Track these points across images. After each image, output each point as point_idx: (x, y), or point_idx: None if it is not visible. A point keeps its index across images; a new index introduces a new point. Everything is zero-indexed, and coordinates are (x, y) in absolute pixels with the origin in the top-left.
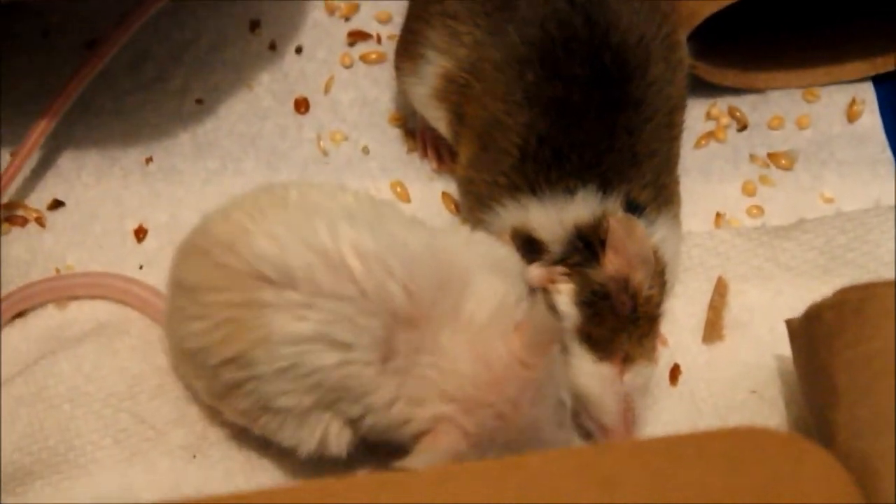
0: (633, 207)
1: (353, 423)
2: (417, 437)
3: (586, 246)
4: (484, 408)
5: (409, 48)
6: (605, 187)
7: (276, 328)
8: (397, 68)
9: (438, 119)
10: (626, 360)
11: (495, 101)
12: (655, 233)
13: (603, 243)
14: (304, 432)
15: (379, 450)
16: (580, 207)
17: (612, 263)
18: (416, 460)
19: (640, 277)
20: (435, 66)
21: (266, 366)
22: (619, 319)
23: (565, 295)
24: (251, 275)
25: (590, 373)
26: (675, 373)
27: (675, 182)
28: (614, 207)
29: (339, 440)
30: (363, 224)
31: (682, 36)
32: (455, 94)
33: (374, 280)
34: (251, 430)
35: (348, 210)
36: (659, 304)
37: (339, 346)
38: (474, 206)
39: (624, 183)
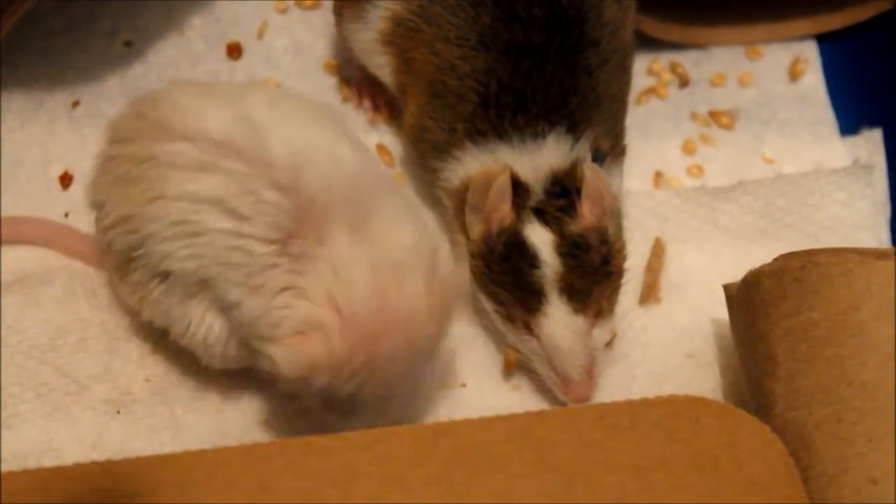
0: (598, 156)
1: (228, 311)
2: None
3: (563, 194)
4: (362, 343)
5: None
6: (574, 130)
7: (173, 184)
8: (338, 14)
9: (382, 66)
10: (598, 315)
11: (448, 45)
12: (612, 184)
13: (579, 192)
14: (188, 311)
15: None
16: (552, 152)
17: (591, 214)
18: (276, 352)
19: (612, 229)
20: (381, 10)
21: (159, 223)
22: (597, 272)
23: (547, 245)
24: (159, 125)
25: (566, 324)
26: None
27: (625, 132)
28: (584, 153)
29: (211, 331)
30: (299, 119)
31: None
32: (403, 38)
33: (290, 161)
34: (144, 319)
35: (290, 106)
36: (626, 258)
37: (236, 215)
38: (429, 154)
39: (590, 127)
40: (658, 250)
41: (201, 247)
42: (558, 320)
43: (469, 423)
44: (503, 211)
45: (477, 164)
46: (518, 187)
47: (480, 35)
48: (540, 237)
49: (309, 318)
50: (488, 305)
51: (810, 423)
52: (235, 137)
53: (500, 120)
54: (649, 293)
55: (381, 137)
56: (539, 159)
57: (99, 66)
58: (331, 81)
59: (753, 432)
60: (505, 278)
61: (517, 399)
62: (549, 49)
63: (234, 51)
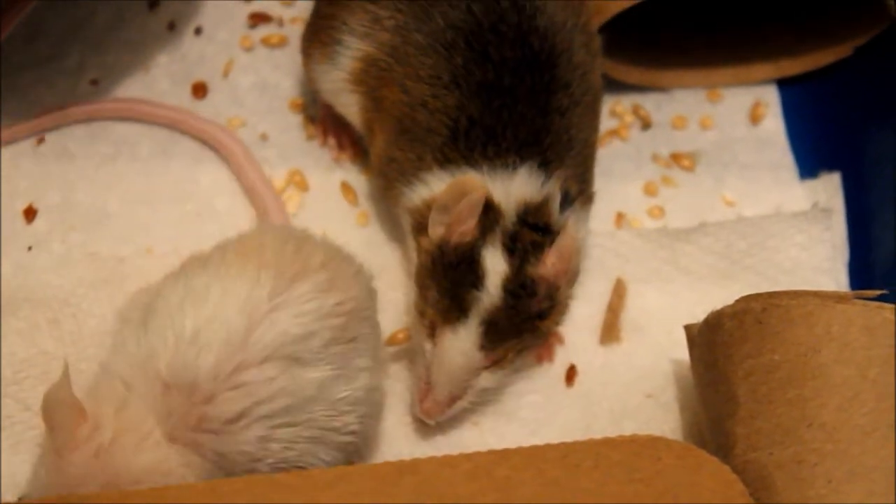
0: (567, 198)
1: None
2: None
3: (538, 229)
4: None
5: (321, 34)
6: (546, 167)
7: None
8: (306, 55)
9: (350, 105)
10: (496, 362)
11: (419, 83)
12: (579, 230)
13: (547, 233)
14: None
15: None
16: (524, 184)
17: (553, 266)
18: None
19: (567, 292)
20: (353, 51)
21: None
22: (526, 322)
23: (498, 275)
24: None
25: (464, 352)
26: (571, 374)
27: (593, 179)
28: (554, 191)
29: None
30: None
31: (596, 26)
32: (373, 78)
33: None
34: None
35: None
36: (556, 325)
37: None
38: (395, 180)
39: (561, 167)
40: (619, 290)
41: None
42: (461, 344)
43: (432, 461)
44: (468, 226)
45: (443, 185)
46: (490, 210)
47: (453, 75)
48: (494, 265)
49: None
50: (414, 294)
51: (771, 464)
52: None
53: (469, 151)
54: (610, 332)
55: (345, 175)
56: (511, 187)
57: (65, 104)
58: (296, 120)
59: (714, 473)
60: (442, 282)
61: (476, 435)
62: (521, 90)
63: (200, 89)
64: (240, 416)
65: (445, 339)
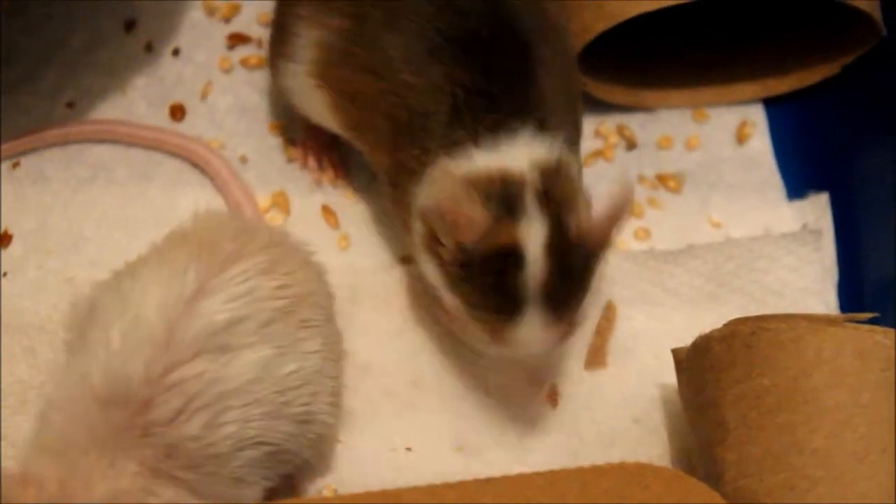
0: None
1: None
2: None
3: (546, 193)
4: None
5: (279, 34)
6: (546, 123)
7: None
8: (272, 65)
9: (322, 106)
10: (571, 326)
11: (394, 65)
12: (573, 168)
13: (558, 191)
14: None
15: None
16: (533, 144)
17: (602, 225)
18: None
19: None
20: (307, 41)
21: None
22: (580, 279)
23: (535, 243)
24: None
25: (543, 338)
26: (553, 395)
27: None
28: (560, 144)
29: None
30: None
31: (580, 47)
32: (336, 68)
33: None
34: None
35: None
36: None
37: None
38: (406, 183)
39: (558, 120)
40: (609, 314)
41: None
42: (529, 335)
43: (416, 490)
44: (476, 214)
45: (469, 163)
46: (508, 182)
47: (428, 44)
48: (531, 233)
49: None
50: (461, 311)
51: (761, 490)
52: None
53: (475, 124)
54: (595, 357)
55: (326, 198)
56: (521, 151)
57: (41, 128)
58: (276, 142)
59: (704, 500)
60: (480, 281)
61: (461, 462)
62: (499, 45)
63: (178, 112)
64: (179, 412)
65: (513, 337)
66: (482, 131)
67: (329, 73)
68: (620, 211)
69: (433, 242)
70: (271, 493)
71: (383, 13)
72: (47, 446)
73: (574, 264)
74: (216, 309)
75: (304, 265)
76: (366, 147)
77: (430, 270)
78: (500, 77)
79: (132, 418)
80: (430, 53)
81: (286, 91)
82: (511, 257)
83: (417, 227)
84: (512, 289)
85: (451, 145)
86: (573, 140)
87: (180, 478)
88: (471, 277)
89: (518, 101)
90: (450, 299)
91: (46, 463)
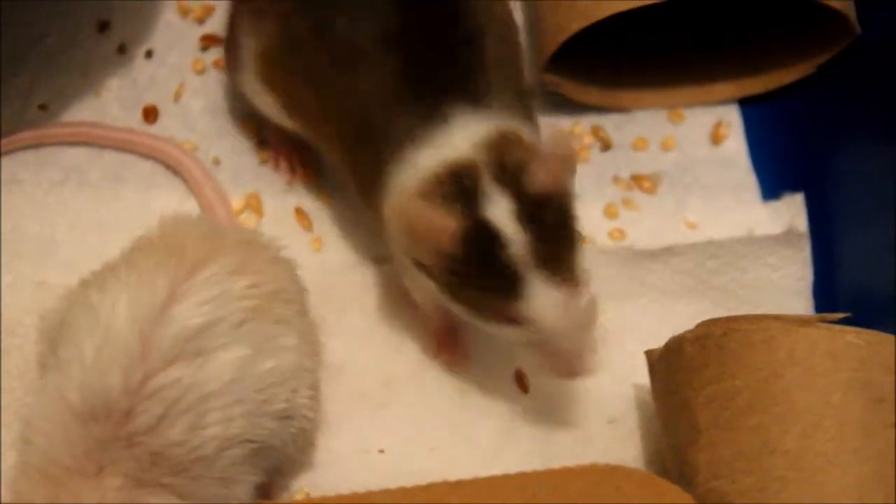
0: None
1: None
2: None
3: (500, 165)
4: None
5: (228, 42)
6: (476, 100)
7: None
8: (228, 72)
9: (275, 110)
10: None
11: (333, 68)
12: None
13: (511, 159)
14: None
15: None
16: (477, 121)
17: (550, 174)
18: None
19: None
20: (248, 50)
21: None
22: (570, 233)
23: (506, 219)
24: None
25: (557, 303)
26: (521, 380)
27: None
28: (502, 117)
29: None
30: None
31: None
32: (276, 76)
33: None
34: None
35: None
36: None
37: None
38: (370, 190)
39: (496, 92)
40: None
41: None
42: (541, 304)
43: (388, 493)
44: (443, 223)
45: (415, 170)
46: (462, 169)
47: (362, 38)
48: (498, 211)
49: None
50: (472, 314)
51: (733, 492)
52: None
53: (408, 121)
54: None
55: (299, 200)
56: (467, 132)
57: (13, 129)
58: (248, 144)
59: (676, 501)
60: (473, 277)
61: (436, 462)
62: (432, 25)
63: (151, 113)
64: (160, 419)
65: (529, 313)
66: (415, 128)
67: (272, 80)
68: (565, 149)
69: (419, 265)
70: (260, 489)
71: (309, 21)
72: (33, 470)
73: (550, 221)
74: (189, 314)
75: (273, 262)
76: (327, 150)
77: (428, 287)
78: (422, 67)
79: (114, 430)
80: (353, 57)
81: (246, 96)
82: (490, 240)
83: (401, 259)
84: (506, 269)
85: (395, 150)
86: (520, 104)
87: (167, 484)
88: (466, 277)
89: (441, 83)
90: (458, 310)
91: (33, 488)
